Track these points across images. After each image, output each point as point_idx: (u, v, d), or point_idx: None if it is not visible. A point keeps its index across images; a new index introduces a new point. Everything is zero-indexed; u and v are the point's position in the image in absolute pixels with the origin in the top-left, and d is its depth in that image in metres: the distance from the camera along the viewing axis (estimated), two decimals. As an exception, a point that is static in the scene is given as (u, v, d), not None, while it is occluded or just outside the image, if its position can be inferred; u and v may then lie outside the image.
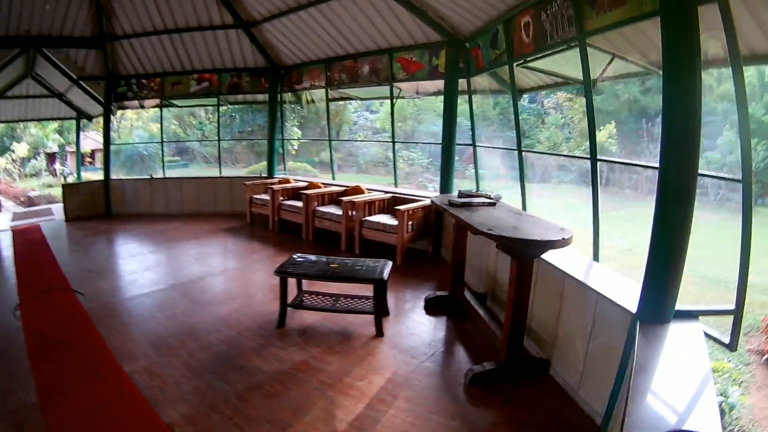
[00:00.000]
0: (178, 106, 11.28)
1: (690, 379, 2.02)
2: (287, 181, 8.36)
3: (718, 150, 17.32)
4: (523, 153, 5.30)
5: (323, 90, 8.34)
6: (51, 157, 28.53)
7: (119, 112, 10.70)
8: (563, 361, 3.33)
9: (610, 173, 18.61)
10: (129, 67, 9.15)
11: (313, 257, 4.46)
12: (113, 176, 9.57)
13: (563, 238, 2.99)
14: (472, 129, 6.70)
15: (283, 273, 4.11)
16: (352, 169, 24.25)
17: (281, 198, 7.78)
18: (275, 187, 7.73)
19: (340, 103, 20.71)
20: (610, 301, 2.81)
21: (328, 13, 6.97)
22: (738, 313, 2.55)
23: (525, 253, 3.14)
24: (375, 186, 7.78)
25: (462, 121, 6.59)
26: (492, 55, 5.36)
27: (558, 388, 3.27)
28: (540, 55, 4.47)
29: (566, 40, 3.88)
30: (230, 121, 21.85)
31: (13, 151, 26.88)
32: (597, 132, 3.98)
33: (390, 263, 4.31)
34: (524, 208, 5.11)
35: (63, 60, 8.57)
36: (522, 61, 4.84)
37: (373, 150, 23.80)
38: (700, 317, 2.59)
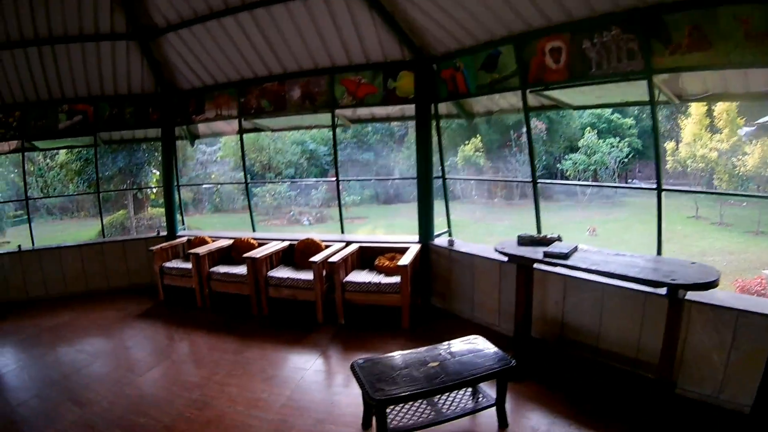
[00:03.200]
0: (43, 149, 8.36)
1: None
2: (203, 240, 6.46)
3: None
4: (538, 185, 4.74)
5: (230, 121, 6.73)
6: None
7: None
8: (693, 378, 3.47)
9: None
10: None
11: (397, 358, 3.30)
12: None
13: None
14: (441, 160, 5.95)
15: (383, 402, 2.85)
16: (205, 208, 21.94)
17: (209, 266, 5.96)
18: (200, 251, 5.83)
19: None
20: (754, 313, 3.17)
21: (252, 23, 5.58)
22: None
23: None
24: (324, 235, 6.40)
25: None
26: (486, 79, 4.79)
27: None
28: (579, 83, 4.09)
29: (625, 73, 3.71)
30: (82, 165, 17.45)
31: None
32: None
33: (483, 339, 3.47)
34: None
35: None
36: (542, 88, 4.40)
37: (228, 188, 21.75)
38: None
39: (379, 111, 6.29)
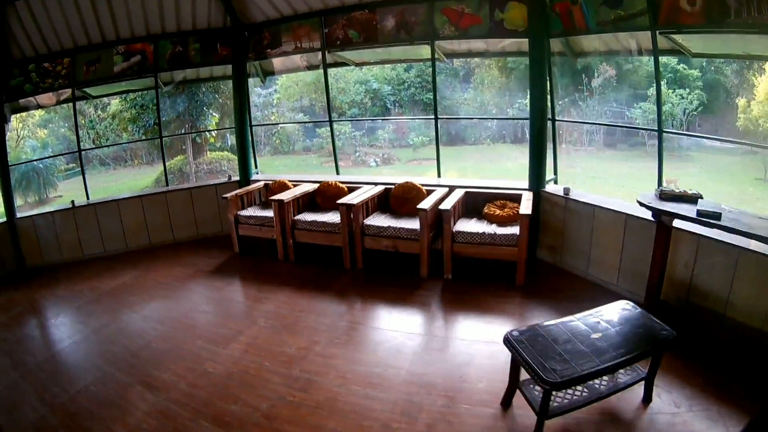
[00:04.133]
0: (97, 97, 7.48)
1: None
2: (284, 185, 5.97)
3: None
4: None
5: (308, 55, 6.15)
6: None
7: (16, 118, 7.31)
8: None
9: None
10: (26, 46, 5.90)
11: (553, 328, 2.75)
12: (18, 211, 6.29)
13: None
14: (552, 102, 5.22)
15: (559, 385, 2.36)
16: (264, 150, 21.49)
17: (293, 212, 5.46)
18: (284, 197, 5.33)
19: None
20: None
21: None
22: None
23: None
24: (418, 179, 5.75)
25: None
26: (609, 15, 4.26)
27: None
28: (716, 29, 3.67)
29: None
30: (137, 112, 16.51)
31: None
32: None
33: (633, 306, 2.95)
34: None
35: None
36: (674, 31, 3.92)
37: (288, 129, 21.20)
38: None
39: (479, 45, 5.57)
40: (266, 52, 6.29)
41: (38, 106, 6.82)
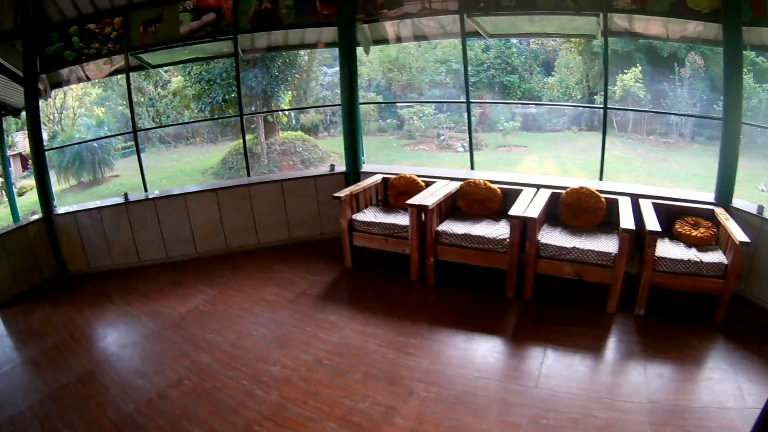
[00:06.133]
0: (156, 66, 6.02)
1: None
2: (411, 182, 4.77)
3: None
4: None
5: (443, 18, 4.92)
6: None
7: (57, 93, 6.35)
8: None
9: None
10: (65, 3, 4.87)
11: None
12: (60, 205, 5.29)
13: None
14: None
15: None
16: (335, 129, 20.27)
17: (437, 221, 4.26)
18: (427, 201, 4.07)
19: (304, 55, 16.73)
20: None
21: None
22: None
23: None
24: (573, 180, 4.58)
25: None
26: None
27: None
28: None
29: None
30: (202, 88, 14.75)
31: None
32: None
33: None
34: None
35: None
36: None
37: (363, 107, 19.99)
38: None
39: (657, 28, 4.35)
40: (381, 13, 5.07)
41: (84, 79, 5.58)
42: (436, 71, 18.43)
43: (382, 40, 5.63)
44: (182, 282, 4.61)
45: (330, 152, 16.39)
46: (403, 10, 4.95)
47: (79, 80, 5.52)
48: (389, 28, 5.38)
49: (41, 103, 5.12)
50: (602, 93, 4.84)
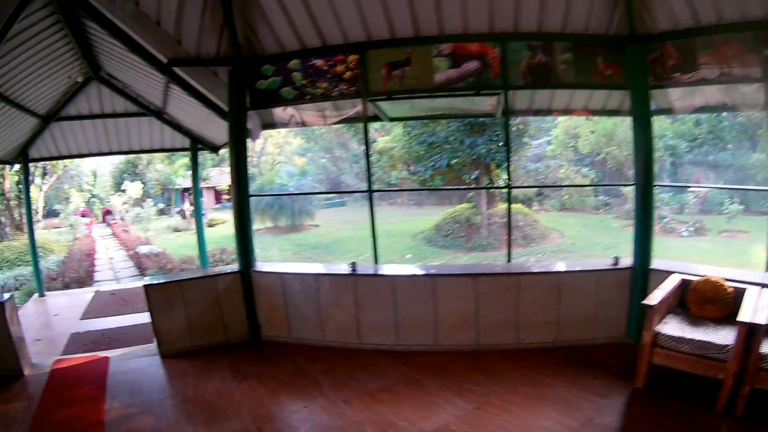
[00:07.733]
0: (395, 120, 5.52)
1: None
2: (716, 287, 3.64)
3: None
4: None
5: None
6: (183, 193, 25.67)
7: (266, 134, 6.42)
8: None
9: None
10: (286, 34, 4.52)
11: None
12: (262, 260, 4.95)
13: None
14: None
15: None
16: (548, 204, 19.28)
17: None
18: (757, 318, 3.05)
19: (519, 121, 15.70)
20: None
21: None
22: None
23: None
24: None
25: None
26: None
27: None
28: None
29: None
30: (422, 150, 14.80)
31: (124, 191, 23.91)
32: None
33: None
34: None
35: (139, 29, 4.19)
36: None
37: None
38: None
39: None
40: (672, 77, 4.13)
41: (300, 123, 5.17)
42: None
43: (666, 110, 4.82)
44: (420, 383, 3.74)
45: (550, 228, 15.29)
46: (700, 75, 4.03)
47: (297, 125, 5.22)
48: (677, 94, 4.46)
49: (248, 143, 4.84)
50: None
